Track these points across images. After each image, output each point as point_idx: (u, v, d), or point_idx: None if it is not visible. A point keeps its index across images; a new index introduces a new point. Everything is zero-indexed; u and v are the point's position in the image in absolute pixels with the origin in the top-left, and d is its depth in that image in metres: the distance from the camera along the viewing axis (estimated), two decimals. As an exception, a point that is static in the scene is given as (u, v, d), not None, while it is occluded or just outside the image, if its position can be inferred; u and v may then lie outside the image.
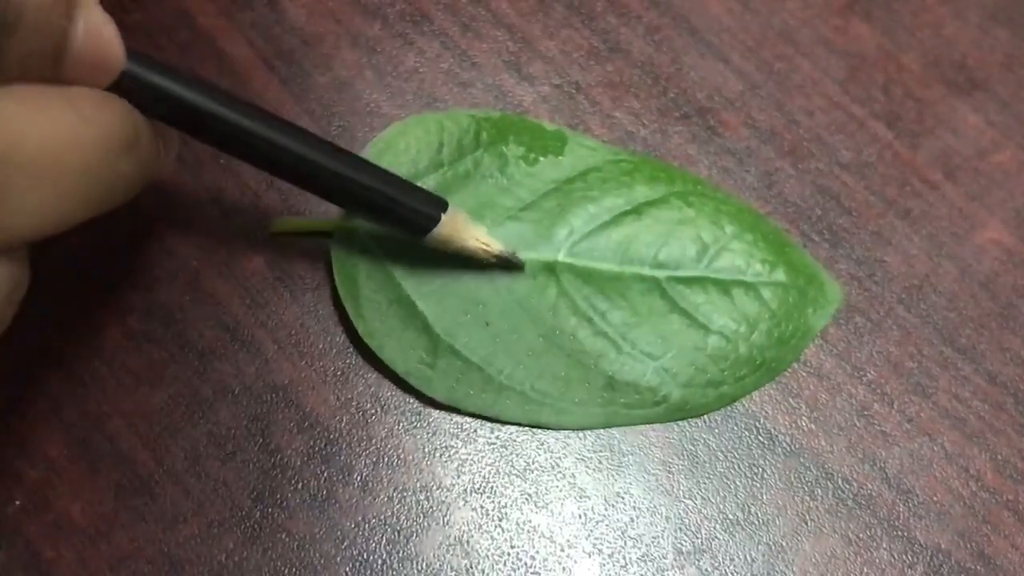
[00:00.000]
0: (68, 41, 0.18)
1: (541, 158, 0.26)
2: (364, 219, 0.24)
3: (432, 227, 0.23)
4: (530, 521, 0.22)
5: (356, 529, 0.22)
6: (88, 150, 0.18)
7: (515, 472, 0.23)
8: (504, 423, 0.23)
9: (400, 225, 0.23)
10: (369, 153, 0.25)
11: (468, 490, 0.23)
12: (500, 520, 0.22)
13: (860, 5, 0.29)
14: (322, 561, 0.22)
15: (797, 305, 0.25)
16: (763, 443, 0.24)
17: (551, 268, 0.25)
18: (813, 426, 0.24)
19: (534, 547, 0.22)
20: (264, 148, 0.21)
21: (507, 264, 0.24)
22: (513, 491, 0.23)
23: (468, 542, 0.22)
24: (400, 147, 0.25)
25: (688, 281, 0.25)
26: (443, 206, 0.23)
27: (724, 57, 0.28)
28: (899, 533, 0.23)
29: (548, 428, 0.23)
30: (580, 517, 0.23)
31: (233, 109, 0.20)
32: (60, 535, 0.21)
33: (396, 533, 0.22)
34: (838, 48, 0.28)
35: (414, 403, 0.23)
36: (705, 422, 0.24)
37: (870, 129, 0.27)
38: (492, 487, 0.23)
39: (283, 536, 0.22)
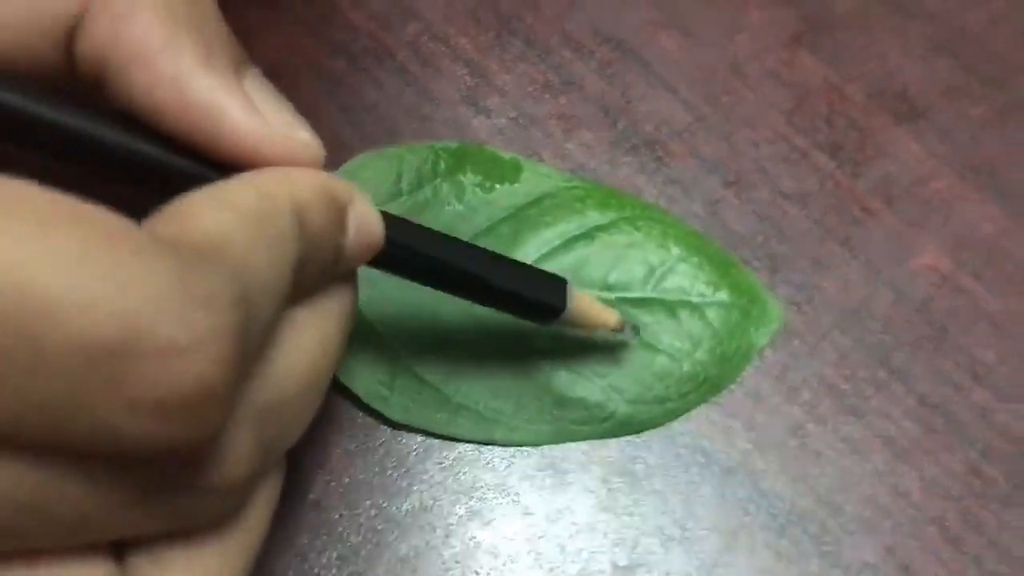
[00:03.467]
0: (344, 244, 0.18)
1: (497, 185, 0.27)
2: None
3: (559, 315, 0.23)
4: (475, 537, 0.24)
5: (308, 545, 0.23)
6: (341, 344, 0.19)
7: (462, 491, 0.24)
8: (458, 441, 0.25)
9: (531, 316, 0.23)
10: None
11: (417, 508, 0.24)
12: (447, 537, 0.24)
13: (807, 38, 0.30)
14: None
15: (739, 324, 0.26)
16: (700, 462, 0.25)
17: None
18: (749, 445, 0.25)
19: (478, 563, 0.23)
20: (458, 276, 0.21)
21: (627, 331, 0.24)
22: (460, 508, 0.24)
23: (416, 559, 0.23)
24: (361, 178, 0.27)
25: (636, 302, 0.26)
26: (563, 290, 0.23)
27: (673, 90, 0.29)
28: (829, 548, 0.24)
29: (500, 445, 0.25)
30: (523, 533, 0.24)
31: (455, 254, 0.21)
32: None
33: (348, 550, 0.23)
34: (784, 80, 0.30)
35: (369, 422, 0.25)
36: (645, 442, 0.25)
37: (813, 159, 0.28)
38: (440, 505, 0.24)
39: (240, 551, 0.23)
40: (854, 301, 0.27)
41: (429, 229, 0.22)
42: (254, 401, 0.16)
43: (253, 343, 0.15)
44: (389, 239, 0.20)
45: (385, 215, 0.20)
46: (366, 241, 0.19)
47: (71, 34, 0.18)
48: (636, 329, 0.25)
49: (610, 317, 0.24)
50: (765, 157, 0.28)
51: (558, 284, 0.23)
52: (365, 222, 0.19)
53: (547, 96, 0.29)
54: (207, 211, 0.15)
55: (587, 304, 0.23)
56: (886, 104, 0.29)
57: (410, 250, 0.21)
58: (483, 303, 0.22)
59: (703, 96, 0.29)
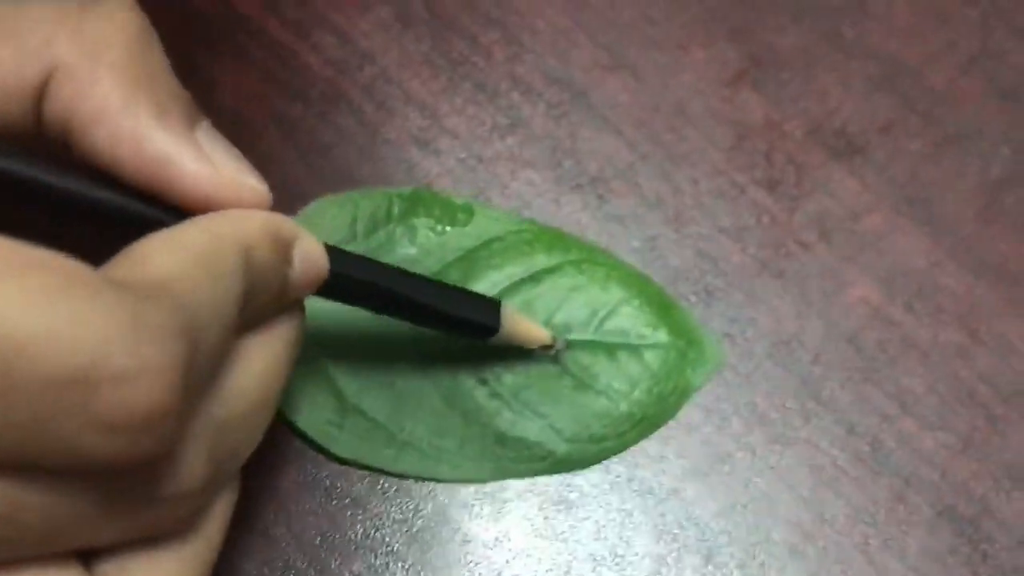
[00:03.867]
0: (290, 278, 0.20)
1: (448, 228, 0.29)
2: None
3: (494, 332, 0.25)
4: (415, 564, 0.25)
5: (256, 573, 0.24)
6: (288, 367, 0.21)
7: (404, 519, 0.25)
8: (404, 477, 0.26)
9: (468, 335, 0.25)
10: None
11: (360, 536, 0.25)
12: (388, 563, 0.25)
13: (750, 76, 0.31)
14: (227, 600, 0.24)
15: (677, 365, 0.27)
16: (634, 490, 0.26)
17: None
18: (680, 474, 0.26)
19: (417, 587, 0.25)
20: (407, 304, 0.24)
21: (558, 348, 0.27)
22: (402, 536, 0.25)
23: (358, 582, 0.25)
24: (318, 223, 0.28)
25: (578, 344, 0.27)
26: (497, 310, 0.25)
27: (617, 130, 0.30)
28: (754, 573, 0.25)
29: (444, 481, 0.26)
30: (460, 560, 0.25)
31: (395, 281, 0.24)
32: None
33: (294, 575, 0.25)
34: (725, 118, 0.31)
35: (318, 460, 0.26)
36: (581, 471, 0.26)
37: (751, 195, 0.30)
38: (382, 533, 0.25)
39: (191, 578, 0.24)
40: (786, 333, 0.28)
41: (370, 259, 0.24)
42: (207, 421, 0.18)
43: (202, 368, 0.17)
44: (333, 271, 0.22)
45: (329, 248, 0.22)
46: (311, 273, 0.21)
47: (39, 97, 0.20)
48: (567, 344, 0.27)
49: (542, 335, 0.26)
50: (704, 193, 0.30)
51: (493, 304, 0.25)
52: (310, 256, 0.21)
53: (496, 137, 0.30)
54: (157, 253, 0.17)
55: (520, 323, 0.26)
56: (825, 140, 0.31)
57: (353, 279, 0.23)
58: (424, 325, 0.25)
59: (646, 135, 0.30)
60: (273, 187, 0.29)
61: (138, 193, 0.20)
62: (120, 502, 0.17)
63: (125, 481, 0.17)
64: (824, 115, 0.31)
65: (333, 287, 0.22)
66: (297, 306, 0.22)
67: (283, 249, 0.20)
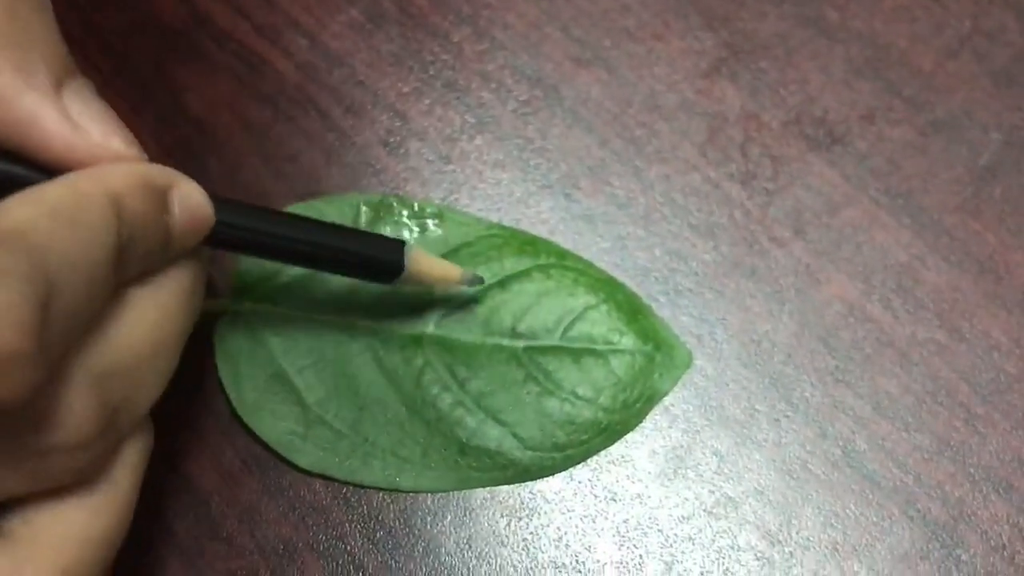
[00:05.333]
0: (170, 225, 0.21)
1: (418, 234, 0.28)
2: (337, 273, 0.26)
3: (398, 275, 0.25)
4: (376, 573, 0.25)
5: (219, 580, 0.25)
6: (183, 317, 0.21)
7: (367, 525, 0.25)
8: (367, 488, 0.26)
9: (372, 277, 0.25)
10: None
11: (324, 545, 0.25)
12: (350, 571, 0.25)
13: (727, 66, 0.31)
14: (191, 608, 0.25)
15: (644, 371, 0.27)
16: (597, 496, 0.26)
17: (419, 340, 0.27)
18: (644, 478, 0.26)
19: (378, 595, 0.25)
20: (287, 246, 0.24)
21: (472, 282, 0.26)
22: (365, 542, 0.25)
23: (320, 591, 0.25)
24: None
25: (543, 351, 0.27)
26: (401, 247, 0.25)
27: (589, 127, 0.30)
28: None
29: (406, 491, 0.26)
30: (423, 568, 0.25)
31: (292, 227, 0.24)
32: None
33: (255, 583, 0.25)
34: (700, 110, 0.30)
35: (282, 468, 0.26)
36: (546, 479, 0.26)
37: (724, 190, 0.29)
38: (345, 543, 0.25)
39: (155, 587, 0.25)
40: (757, 333, 0.27)
41: (266, 208, 0.24)
42: (90, 368, 0.19)
43: (67, 316, 0.18)
44: (225, 220, 0.22)
45: (218, 197, 0.23)
46: (194, 220, 0.22)
47: None
48: (480, 279, 0.26)
49: (452, 272, 0.26)
50: (675, 189, 0.29)
51: (396, 244, 0.25)
52: (190, 202, 0.22)
53: (464, 138, 0.30)
54: (15, 206, 0.18)
55: (427, 261, 0.25)
56: (803, 131, 0.30)
57: (247, 228, 0.23)
58: (324, 269, 0.25)
59: (617, 131, 0.30)
60: (240, 193, 0.29)
61: (6, 153, 0.21)
62: (6, 453, 0.18)
63: (4, 430, 0.17)
64: (803, 104, 0.30)
65: (224, 235, 0.23)
66: (190, 257, 0.22)
67: (158, 198, 0.21)
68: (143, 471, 0.21)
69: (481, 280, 0.26)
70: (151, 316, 0.20)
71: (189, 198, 0.21)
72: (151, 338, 0.20)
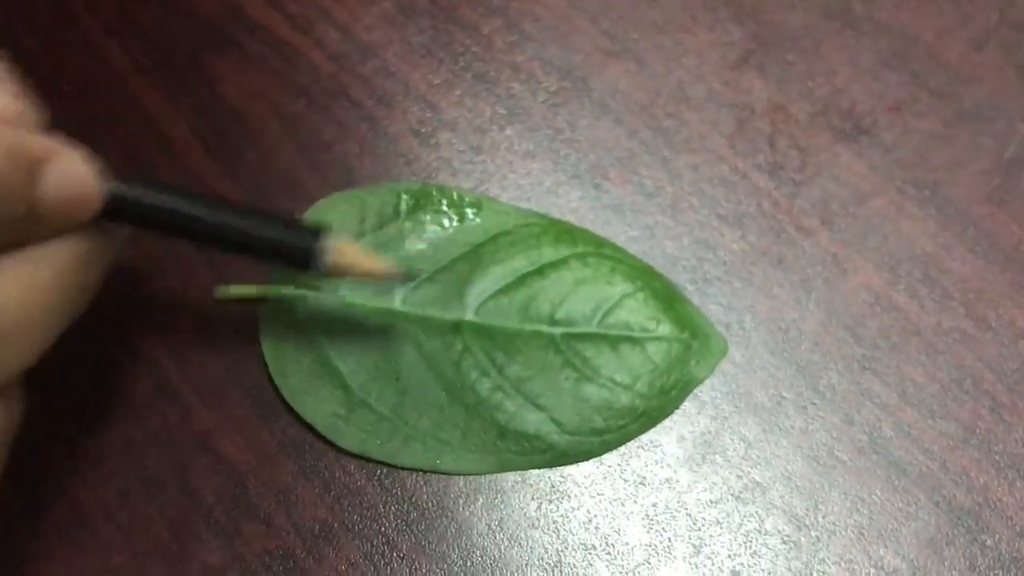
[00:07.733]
0: (38, 199, 0.20)
1: (457, 223, 0.29)
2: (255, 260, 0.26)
3: (315, 260, 0.24)
4: (410, 554, 0.25)
5: (258, 560, 0.25)
6: (60, 291, 0.21)
7: (401, 507, 0.26)
8: (407, 469, 0.26)
9: (286, 264, 0.25)
10: None
11: (358, 526, 0.26)
12: (386, 549, 0.25)
13: (755, 58, 0.31)
14: (230, 586, 0.25)
15: (680, 358, 0.27)
16: (627, 481, 0.26)
17: (458, 327, 0.27)
18: (673, 463, 0.26)
19: (414, 574, 0.25)
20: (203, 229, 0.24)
21: (405, 278, 0.26)
22: (399, 523, 0.26)
23: (354, 570, 0.25)
24: (327, 220, 0.29)
25: (580, 337, 0.27)
26: (318, 236, 0.24)
27: (617, 118, 0.30)
28: (746, 563, 0.25)
29: (447, 473, 0.26)
30: (455, 549, 0.25)
31: (203, 207, 0.23)
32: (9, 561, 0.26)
33: (292, 564, 0.25)
34: (728, 102, 0.30)
35: (319, 450, 0.27)
36: (578, 464, 0.26)
37: (752, 180, 0.29)
38: (379, 524, 0.26)
39: (195, 565, 0.25)
40: (784, 321, 0.27)
41: (179, 187, 0.24)
42: None
43: None
44: (116, 194, 0.22)
45: (127, 171, 0.22)
46: (71, 195, 0.21)
47: None
48: (411, 274, 0.26)
49: (376, 264, 0.25)
50: (704, 179, 0.29)
51: (313, 233, 0.24)
52: (69, 177, 0.21)
53: (495, 128, 0.30)
54: None
55: (352, 253, 0.24)
56: (830, 122, 0.30)
57: (151, 206, 0.23)
58: (237, 252, 0.24)
59: (646, 122, 0.30)
60: (275, 182, 0.30)
61: None
62: None
63: None
64: (831, 95, 0.30)
65: (129, 213, 0.22)
66: (83, 233, 0.22)
67: (24, 168, 0.20)
68: (8, 442, 0.21)
69: (415, 276, 0.26)
70: (20, 287, 0.20)
71: (67, 173, 0.21)
72: (20, 306, 0.20)
